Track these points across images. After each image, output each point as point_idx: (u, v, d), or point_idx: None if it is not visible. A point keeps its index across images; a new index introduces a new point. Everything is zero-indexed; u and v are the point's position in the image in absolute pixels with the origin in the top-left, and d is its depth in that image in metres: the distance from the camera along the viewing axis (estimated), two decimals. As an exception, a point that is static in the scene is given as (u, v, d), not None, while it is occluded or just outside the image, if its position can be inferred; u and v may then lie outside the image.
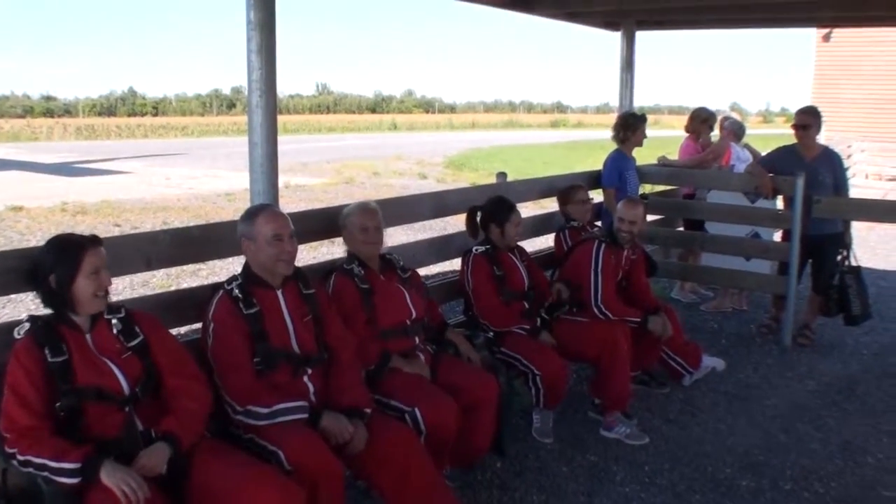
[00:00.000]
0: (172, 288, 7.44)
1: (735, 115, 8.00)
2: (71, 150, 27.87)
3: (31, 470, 2.52)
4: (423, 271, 4.77)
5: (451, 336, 4.18)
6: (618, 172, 6.39)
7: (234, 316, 3.18)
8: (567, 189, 5.75)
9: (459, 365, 3.98)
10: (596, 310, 4.83)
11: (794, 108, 6.86)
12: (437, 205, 5.19)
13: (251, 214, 3.36)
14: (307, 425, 3.08)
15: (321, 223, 4.19)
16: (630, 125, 6.45)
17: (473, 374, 3.90)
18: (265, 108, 3.62)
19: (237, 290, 3.23)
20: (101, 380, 2.72)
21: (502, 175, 5.87)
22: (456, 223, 9.32)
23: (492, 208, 4.76)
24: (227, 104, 75.14)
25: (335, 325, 3.49)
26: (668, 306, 5.42)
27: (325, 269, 3.97)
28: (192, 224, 10.72)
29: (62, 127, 43.51)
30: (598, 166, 6.61)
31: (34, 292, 2.87)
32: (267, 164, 3.68)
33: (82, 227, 11.27)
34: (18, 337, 2.70)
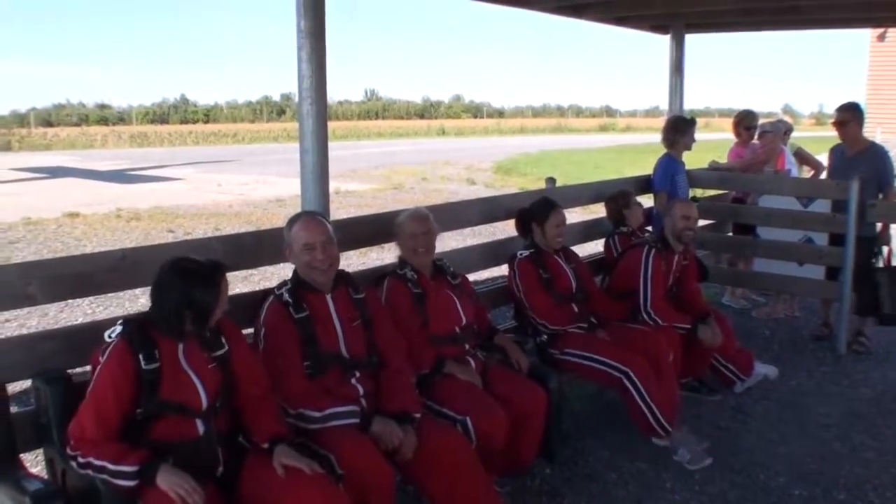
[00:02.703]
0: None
1: (786, 118, 7.89)
2: (125, 158, 28.30)
3: (90, 472, 2.57)
4: (472, 277, 4.77)
5: (500, 341, 4.19)
6: (669, 176, 6.34)
7: (284, 320, 3.24)
8: (616, 194, 5.72)
9: (509, 375, 3.98)
10: (645, 315, 4.80)
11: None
12: (486, 210, 5.20)
13: (290, 222, 3.44)
14: (358, 430, 3.11)
15: (370, 230, 4.25)
16: (679, 129, 6.40)
17: (523, 386, 3.89)
18: (315, 116, 3.67)
19: (287, 295, 3.29)
20: (183, 395, 2.76)
21: (551, 180, 5.83)
22: (505, 228, 9.35)
23: (533, 208, 4.76)
24: (277, 111, 75.61)
25: (386, 329, 3.53)
26: (719, 313, 5.36)
27: (377, 274, 4.00)
28: (243, 230, 10.88)
29: (116, 135, 44.16)
30: (649, 170, 6.57)
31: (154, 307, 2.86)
32: (317, 171, 3.72)
33: (136, 233, 11.50)
34: (110, 340, 2.71)
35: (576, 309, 4.67)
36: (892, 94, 19.46)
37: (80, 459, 2.59)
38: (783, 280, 6.73)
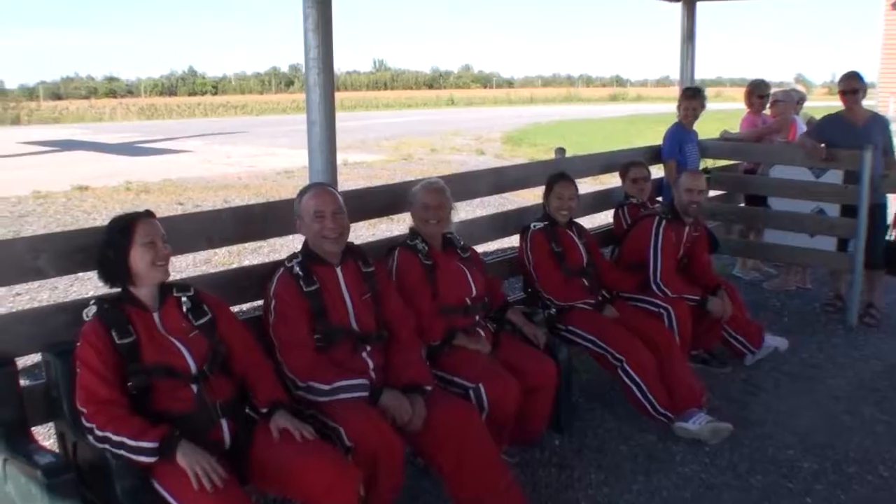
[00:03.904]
0: (234, 265, 7.57)
1: (799, 87, 7.81)
2: (133, 130, 28.28)
3: (107, 447, 2.58)
4: (480, 248, 4.76)
5: (512, 316, 4.16)
6: (678, 144, 6.32)
7: (294, 293, 3.23)
8: (626, 165, 5.68)
9: (520, 346, 3.98)
10: (655, 287, 4.78)
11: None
12: (495, 181, 5.18)
13: (301, 193, 3.43)
14: (367, 403, 3.11)
15: (380, 201, 4.23)
16: (688, 98, 6.38)
17: (533, 357, 3.89)
18: (323, 87, 3.64)
19: (297, 268, 3.28)
20: (168, 359, 2.78)
21: (561, 151, 5.79)
22: (515, 199, 9.31)
23: (547, 179, 4.75)
24: (286, 82, 75.55)
25: (394, 302, 3.52)
26: (730, 285, 5.34)
27: (387, 246, 3.99)
28: (252, 201, 10.89)
29: (125, 107, 44.17)
30: (660, 141, 6.53)
31: (98, 273, 2.93)
32: (325, 143, 3.70)
33: (146, 206, 11.09)
34: (87, 319, 2.75)
35: (585, 283, 4.64)
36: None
37: (98, 433, 2.59)
38: (794, 251, 6.68)
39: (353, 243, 3.51)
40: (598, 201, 6.17)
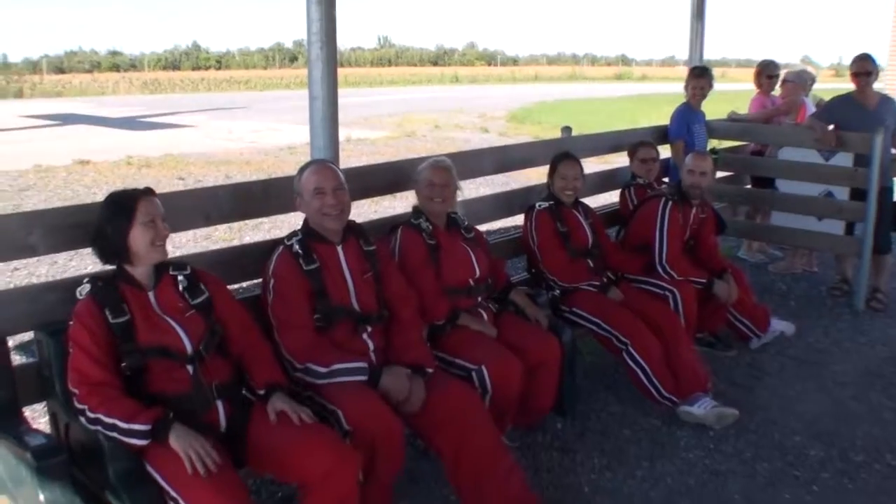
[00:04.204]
0: (235, 241, 7.51)
1: (808, 68, 7.69)
2: (136, 105, 28.18)
3: (99, 428, 2.51)
4: (484, 227, 4.68)
5: (516, 297, 4.10)
6: (685, 124, 6.23)
7: (294, 272, 3.15)
8: (635, 144, 5.58)
9: (522, 325, 3.91)
10: (660, 269, 4.71)
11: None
12: (500, 159, 5.09)
13: (301, 170, 3.34)
14: (366, 385, 3.05)
15: (383, 178, 4.15)
16: (696, 77, 6.29)
17: (536, 336, 3.83)
18: (325, 61, 3.54)
19: (297, 246, 3.20)
20: (163, 339, 2.71)
21: (567, 129, 5.69)
22: (519, 178, 9.21)
23: (552, 159, 4.67)
24: (290, 58, 75.25)
25: (396, 282, 3.44)
26: (736, 268, 5.26)
27: (390, 224, 3.91)
28: (254, 177, 10.81)
29: (128, 81, 44.04)
30: (665, 121, 6.44)
31: (92, 249, 2.85)
32: (328, 119, 3.61)
33: (147, 181, 11.40)
34: (80, 297, 2.68)
35: (590, 264, 4.57)
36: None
37: (90, 414, 2.52)
38: (801, 234, 6.59)
39: (354, 221, 3.43)
40: (604, 181, 6.07)
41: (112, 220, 2.74)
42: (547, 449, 3.94)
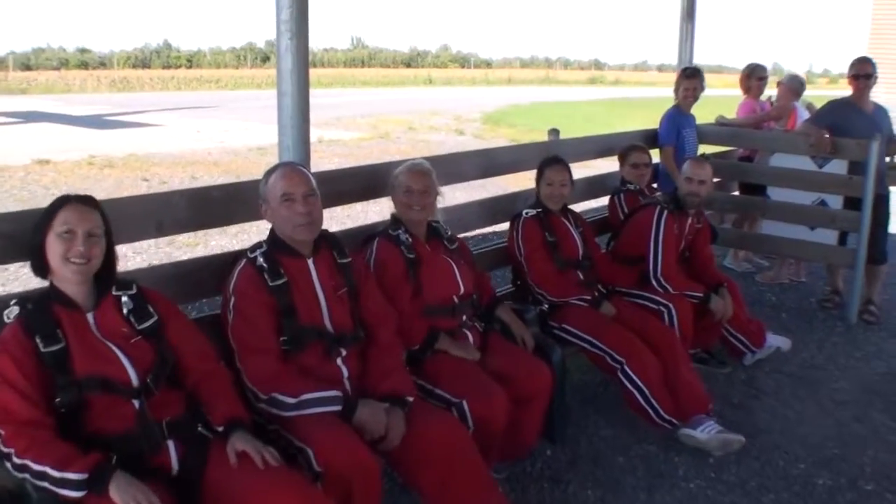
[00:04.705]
0: (199, 247, 7.12)
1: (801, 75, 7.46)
2: (104, 103, 27.55)
3: (27, 476, 2.15)
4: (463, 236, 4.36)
5: (502, 313, 3.78)
6: (675, 129, 5.97)
7: (258, 288, 2.79)
8: (627, 148, 5.28)
9: (510, 349, 3.58)
10: (655, 282, 4.41)
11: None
12: (484, 163, 4.73)
13: (267, 174, 2.98)
14: (340, 418, 2.70)
15: (358, 183, 3.80)
16: (688, 78, 6.03)
17: (525, 363, 3.48)
18: (295, 53, 3.19)
19: (262, 259, 2.84)
20: (105, 369, 2.35)
21: (555, 132, 5.38)
22: (501, 183, 8.86)
23: (539, 164, 4.37)
24: (262, 57, 74.42)
25: (374, 299, 3.11)
26: (731, 281, 4.98)
27: (365, 234, 3.56)
28: (221, 178, 10.43)
29: (96, 79, 43.18)
30: (641, 124, 6.18)
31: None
32: (297, 117, 3.25)
33: (109, 182, 11.03)
34: (7, 321, 2.32)
35: (581, 277, 4.27)
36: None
37: (16, 459, 2.15)
38: (793, 244, 6.34)
39: (327, 231, 3.08)
40: (592, 187, 5.74)
41: (36, 226, 2.39)
42: (537, 480, 3.61)
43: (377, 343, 3.01)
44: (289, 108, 3.24)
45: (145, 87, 40.64)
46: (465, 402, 3.06)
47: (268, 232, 3.00)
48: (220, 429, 2.47)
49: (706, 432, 3.86)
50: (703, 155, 6.07)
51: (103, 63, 67.01)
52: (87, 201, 2.44)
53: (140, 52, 74.51)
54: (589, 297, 4.16)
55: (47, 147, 14.07)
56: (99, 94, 34.40)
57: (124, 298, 2.49)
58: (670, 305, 4.31)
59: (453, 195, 6.83)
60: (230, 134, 17.49)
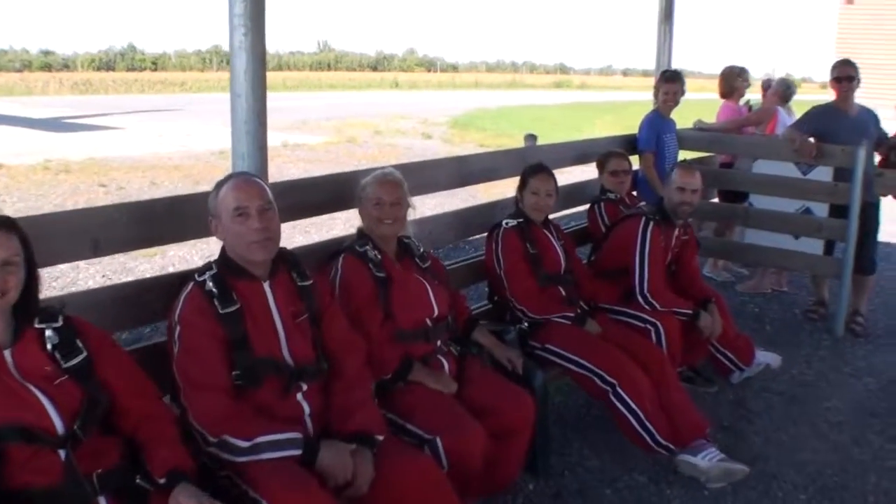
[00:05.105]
0: (157, 256, 6.75)
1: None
2: (64, 105, 26.98)
3: None
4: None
5: (480, 337, 3.49)
6: (655, 134, 5.71)
7: (206, 316, 2.46)
8: (605, 155, 5.00)
9: (488, 377, 3.25)
10: (641, 299, 4.13)
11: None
12: (458, 171, 4.41)
13: (217, 185, 2.64)
14: (300, 463, 2.37)
15: (321, 194, 3.47)
16: (668, 81, 5.78)
17: (505, 393, 3.15)
18: (250, 50, 2.86)
19: (211, 283, 2.50)
20: (24, 415, 2.01)
21: (531, 137, 5.10)
22: (472, 191, 8.55)
23: (522, 171, 4.08)
24: (227, 60, 73.77)
25: (339, 325, 2.78)
26: (718, 294, 4.70)
27: (329, 251, 3.23)
28: (181, 184, 10.03)
29: (58, 81, 42.41)
30: (609, 129, 5.92)
31: None
32: (253, 121, 2.91)
33: (65, 187, 10.62)
34: None
35: (563, 293, 3.97)
36: (860, 59, 19.02)
37: None
38: (777, 254, 6.09)
39: (286, 249, 2.75)
40: (569, 196, 5.40)
41: None
42: (517, 517, 3.31)
43: (343, 375, 2.69)
44: (243, 112, 2.91)
45: (108, 89, 40.06)
46: (439, 440, 2.75)
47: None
48: (162, 481, 2.13)
49: (707, 459, 3.57)
50: (684, 161, 5.83)
51: (67, 65, 66.45)
52: (2, 224, 2.09)
53: (104, 55, 73.87)
54: (572, 314, 3.87)
55: (2, 151, 13.58)
56: (60, 97, 33.84)
57: (48, 332, 2.15)
58: (658, 323, 4.03)
59: (423, 204, 6.55)
60: (192, 138, 17.06)
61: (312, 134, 18.86)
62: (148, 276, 6.33)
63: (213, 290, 2.49)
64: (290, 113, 22.91)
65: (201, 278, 2.52)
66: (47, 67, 62.14)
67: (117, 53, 75.44)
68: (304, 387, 2.58)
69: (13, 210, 8.94)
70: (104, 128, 19.46)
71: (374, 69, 79.62)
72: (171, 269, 6.45)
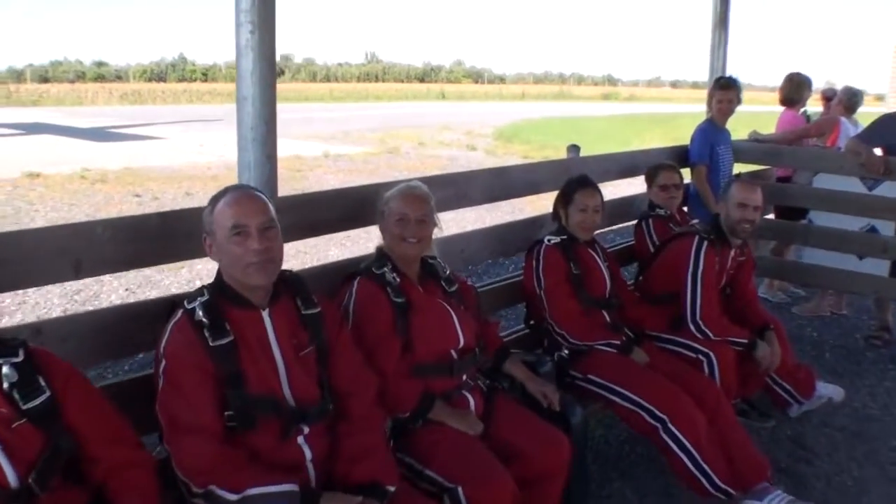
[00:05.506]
0: (183, 269, 6.53)
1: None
2: (110, 115, 27.27)
3: None
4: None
5: (512, 369, 3.15)
6: (708, 145, 5.34)
7: (193, 350, 2.15)
8: (655, 168, 4.64)
9: (520, 415, 2.90)
10: (693, 326, 3.76)
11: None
12: (495, 184, 4.03)
13: (213, 200, 2.32)
14: (297, 518, 2.06)
15: (333, 209, 3.12)
16: (723, 88, 5.42)
17: (538, 434, 2.80)
18: (258, 49, 2.57)
19: (201, 311, 2.20)
20: None
21: (574, 149, 4.77)
22: (518, 204, 8.21)
23: (565, 184, 3.74)
24: (277, 72, 75.13)
25: (349, 359, 2.46)
26: (777, 320, 4.32)
27: (345, 272, 2.91)
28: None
29: (108, 92, 43.08)
30: (658, 141, 5.55)
31: None
32: (260, 127, 2.62)
33: (98, 197, 10.54)
34: None
35: (607, 318, 3.63)
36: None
37: None
38: (838, 275, 5.66)
39: (290, 273, 2.45)
40: (614, 211, 5.02)
41: None
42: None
43: (350, 416, 2.37)
44: (250, 118, 2.62)
45: (157, 100, 40.63)
46: (461, 489, 2.42)
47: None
48: None
49: None
50: (737, 175, 5.45)
51: (119, 76, 67.81)
52: None
53: (156, 66, 75.38)
54: (618, 342, 3.52)
55: (42, 159, 13.62)
56: (109, 107, 34.28)
57: (6, 369, 1.86)
58: (711, 353, 3.66)
59: (463, 217, 6.26)
60: (232, 148, 16.91)
61: (355, 144, 18.71)
62: (173, 290, 6.20)
63: (203, 319, 2.18)
64: (334, 123, 22.88)
65: (191, 306, 2.21)
66: (100, 78, 63.47)
67: (168, 65, 76.84)
68: (306, 429, 2.27)
69: (45, 220, 8.81)
70: (146, 137, 19.50)
71: (422, 80, 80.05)
72: (198, 283, 6.23)
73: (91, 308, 5.45)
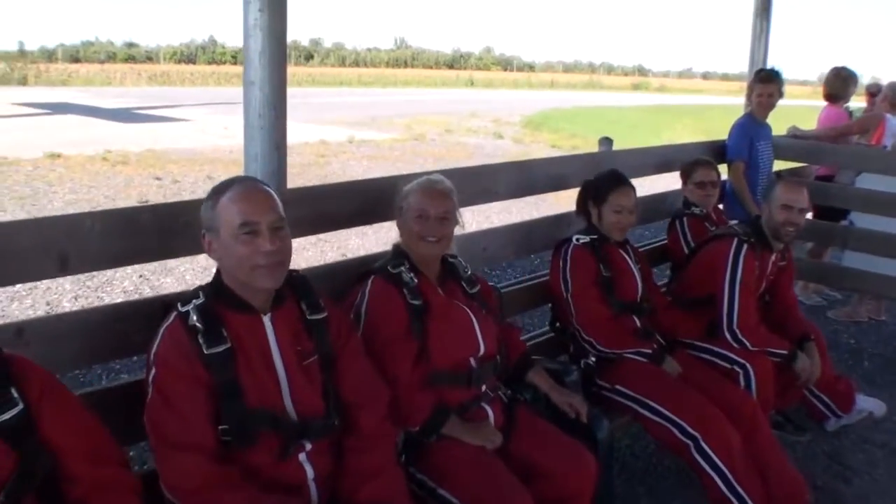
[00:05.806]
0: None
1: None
2: (137, 96, 27.33)
3: None
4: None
5: (536, 379, 2.93)
6: (748, 140, 5.10)
7: (186, 358, 1.95)
8: (691, 164, 4.40)
9: (543, 430, 2.69)
10: (729, 335, 3.52)
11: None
12: (520, 178, 3.80)
13: (215, 193, 2.09)
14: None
15: (346, 203, 2.90)
16: (763, 81, 5.15)
17: (563, 451, 2.59)
18: (267, 30, 2.36)
19: (195, 315, 2.00)
20: None
21: (606, 141, 4.53)
22: (523, 203, 7.96)
23: (594, 182, 3.52)
24: (305, 55, 75.35)
25: (358, 368, 2.26)
26: (817, 329, 4.07)
27: (357, 271, 2.70)
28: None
29: (137, 73, 43.28)
30: (690, 134, 5.30)
31: None
32: (269, 115, 2.42)
33: (119, 179, 10.42)
34: None
35: (638, 324, 3.41)
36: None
37: None
38: (880, 280, 5.40)
39: (296, 274, 2.24)
40: (646, 209, 4.76)
41: None
42: None
43: (358, 431, 2.17)
44: (257, 104, 2.42)
45: (185, 81, 40.78)
46: None
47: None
48: None
49: None
50: (776, 173, 5.20)
51: (150, 57, 68.24)
52: None
53: (186, 48, 75.72)
54: (649, 351, 3.30)
55: (66, 139, 13.54)
56: (137, 88, 34.37)
57: None
58: (748, 365, 3.43)
59: (490, 208, 6.02)
60: (258, 131, 16.88)
61: (381, 131, 18.55)
62: (188, 278, 6.03)
63: (198, 324, 1.98)
64: (362, 109, 22.75)
65: (185, 309, 2.02)
66: (131, 59, 63.86)
67: (198, 46, 77.09)
68: (309, 445, 2.07)
69: (63, 202, 8.69)
70: (171, 119, 19.47)
71: (451, 67, 80.00)
72: (214, 272, 6.10)
73: (86, 306, 5.28)
